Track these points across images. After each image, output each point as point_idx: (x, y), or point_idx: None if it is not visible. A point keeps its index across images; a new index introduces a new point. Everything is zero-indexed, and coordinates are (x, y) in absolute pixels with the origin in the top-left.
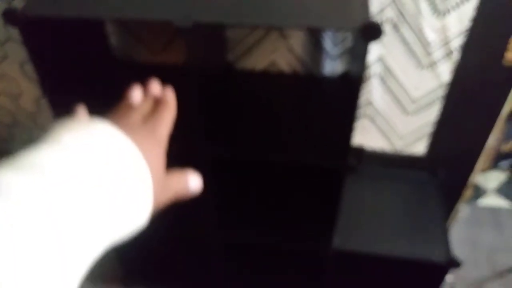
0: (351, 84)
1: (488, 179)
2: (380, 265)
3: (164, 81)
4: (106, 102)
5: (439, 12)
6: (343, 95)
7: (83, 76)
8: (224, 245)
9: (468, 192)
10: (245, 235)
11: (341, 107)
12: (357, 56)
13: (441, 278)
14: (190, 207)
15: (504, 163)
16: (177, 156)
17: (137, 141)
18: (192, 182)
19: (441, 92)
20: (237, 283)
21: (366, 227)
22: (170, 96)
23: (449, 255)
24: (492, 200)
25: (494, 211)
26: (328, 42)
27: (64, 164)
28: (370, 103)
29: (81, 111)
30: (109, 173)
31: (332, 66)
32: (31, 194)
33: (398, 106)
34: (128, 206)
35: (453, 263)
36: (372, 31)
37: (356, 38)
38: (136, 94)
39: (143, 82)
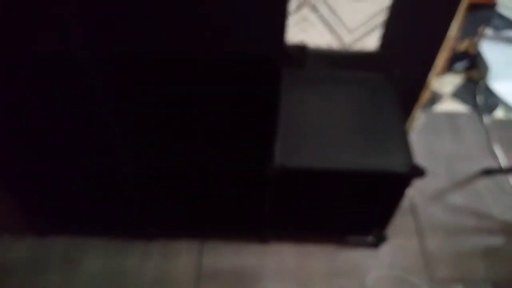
0: None
1: (443, 82)
2: (333, 182)
3: None
4: None
5: None
6: None
7: None
8: (140, 175)
9: (426, 94)
10: (169, 162)
11: None
12: None
13: (403, 190)
14: (93, 138)
15: (459, 65)
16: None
17: None
18: None
19: None
20: (162, 217)
21: (314, 139)
22: None
23: (411, 163)
24: (448, 105)
25: (450, 117)
26: None
27: None
28: None
29: None
30: None
31: None
32: None
33: None
34: None
35: (416, 172)
36: None
37: None
38: None
39: None
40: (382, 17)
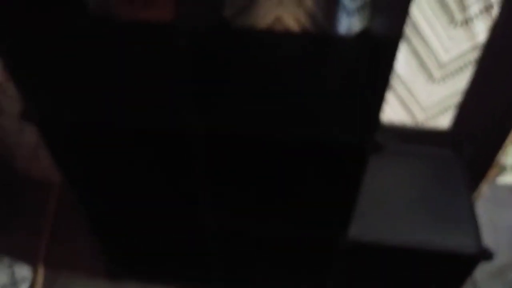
0: (374, 44)
1: (507, 154)
2: (398, 258)
3: (150, 41)
4: (82, 66)
5: None
6: (363, 58)
7: (52, 37)
8: (221, 232)
9: (494, 171)
10: (247, 221)
11: (363, 71)
12: (389, 10)
13: (469, 271)
14: (182, 193)
15: None
16: (167, 131)
17: None
18: None
19: (474, 56)
20: (234, 273)
21: (384, 213)
22: None
23: (480, 244)
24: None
25: None
26: None
27: None
28: None
29: None
30: None
31: (349, 23)
32: None
33: (424, 72)
34: None
35: (485, 255)
36: None
37: None
38: None
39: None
40: (456, 99)
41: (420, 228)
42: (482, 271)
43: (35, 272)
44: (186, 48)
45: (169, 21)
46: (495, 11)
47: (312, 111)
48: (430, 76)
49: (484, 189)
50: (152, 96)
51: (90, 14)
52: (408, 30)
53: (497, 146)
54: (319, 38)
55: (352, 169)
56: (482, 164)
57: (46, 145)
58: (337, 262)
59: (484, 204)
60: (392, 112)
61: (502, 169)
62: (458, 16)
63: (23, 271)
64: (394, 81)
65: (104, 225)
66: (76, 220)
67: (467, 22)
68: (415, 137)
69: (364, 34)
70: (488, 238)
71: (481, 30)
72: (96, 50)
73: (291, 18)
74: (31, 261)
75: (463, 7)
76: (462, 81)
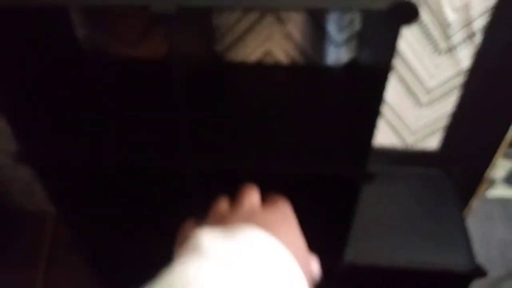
0: (362, 75)
1: (496, 167)
2: (395, 278)
3: (142, 78)
4: (75, 104)
5: None
6: (353, 88)
7: (46, 75)
8: None
9: (482, 187)
10: None
11: (352, 101)
12: (376, 43)
13: None
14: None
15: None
16: (160, 168)
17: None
18: (315, 266)
19: (459, 81)
20: None
21: (377, 234)
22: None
23: (473, 262)
24: (501, 191)
25: (504, 203)
26: (332, 26)
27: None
28: None
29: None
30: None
31: (337, 54)
32: None
33: (411, 97)
34: None
35: (479, 272)
36: (406, 12)
37: (383, 21)
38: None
39: None
40: (443, 121)
41: (413, 248)
42: (476, 285)
43: None
44: (177, 83)
45: (160, 58)
46: (477, 38)
47: (303, 142)
48: (417, 101)
49: (474, 204)
50: (144, 133)
51: (83, 52)
52: (394, 59)
53: (485, 163)
54: (308, 69)
55: (345, 199)
56: (471, 180)
57: (41, 183)
58: (333, 286)
59: (475, 219)
60: (383, 136)
61: (491, 183)
62: (442, 45)
63: None
64: (383, 107)
65: (101, 256)
66: (72, 252)
67: (450, 50)
68: (405, 159)
69: (352, 65)
70: (481, 252)
71: (465, 57)
72: (88, 87)
73: (281, 52)
74: None
75: (446, 36)
76: (448, 105)
